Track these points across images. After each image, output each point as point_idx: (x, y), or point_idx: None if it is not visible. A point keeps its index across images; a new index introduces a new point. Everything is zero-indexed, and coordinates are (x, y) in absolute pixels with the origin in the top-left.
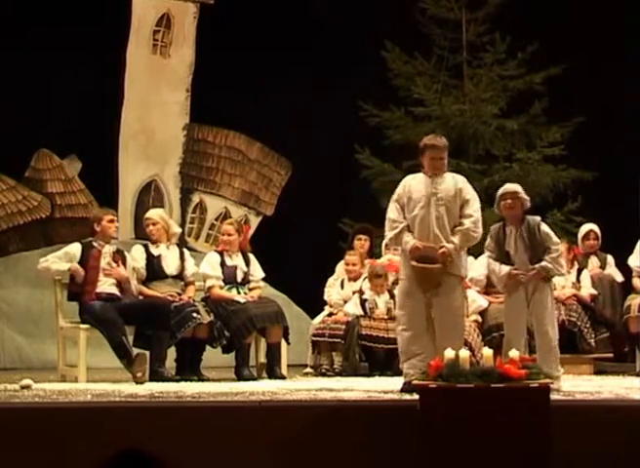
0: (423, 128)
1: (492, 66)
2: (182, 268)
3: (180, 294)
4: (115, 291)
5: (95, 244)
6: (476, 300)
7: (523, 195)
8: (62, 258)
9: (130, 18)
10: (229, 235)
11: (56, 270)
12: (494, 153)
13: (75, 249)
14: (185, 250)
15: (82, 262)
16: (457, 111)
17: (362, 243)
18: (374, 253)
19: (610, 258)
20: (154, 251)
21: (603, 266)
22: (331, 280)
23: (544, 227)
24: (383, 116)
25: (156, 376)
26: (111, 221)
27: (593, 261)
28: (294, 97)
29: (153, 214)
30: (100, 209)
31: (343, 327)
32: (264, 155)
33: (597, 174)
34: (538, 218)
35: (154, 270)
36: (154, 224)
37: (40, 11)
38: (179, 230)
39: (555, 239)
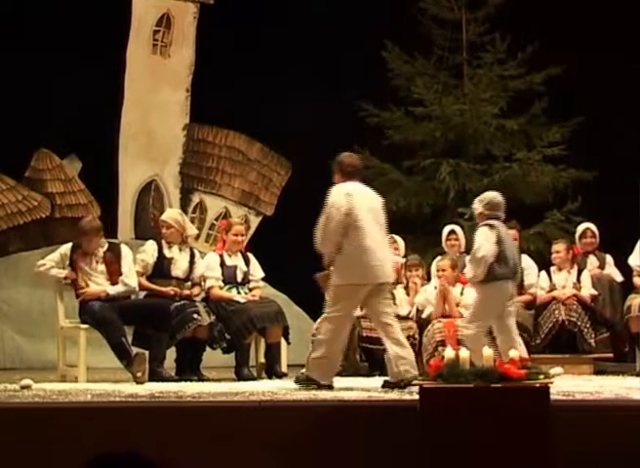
0: (423, 128)
1: (492, 66)
2: (190, 271)
3: (180, 292)
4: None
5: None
6: (469, 298)
7: (474, 206)
8: (59, 262)
9: (130, 18)
10: (242, 235)
11: (52, 276)
12: (494, 153)
13: (66, 249)
14: (197, 251)
15: (71, 263)
16: (457, 111)
17: None
18: None
19: (609, 258)
20: (166, 252)
21: (602, 266)
22: None
23: (476, 233)
24: (383, 116)
25: (155, 376)
26: (85, 234)
27: (592, 261)
28: (294, 96)
29: (168, 217)
30: (85, 218)
31: None
32: (264, 155)
33: (597, 173)
34: (481, 224)
35: (161, 270)
36: (168, 228)
37: (40, 11)
38: (194, 232)
39: (476, 244)
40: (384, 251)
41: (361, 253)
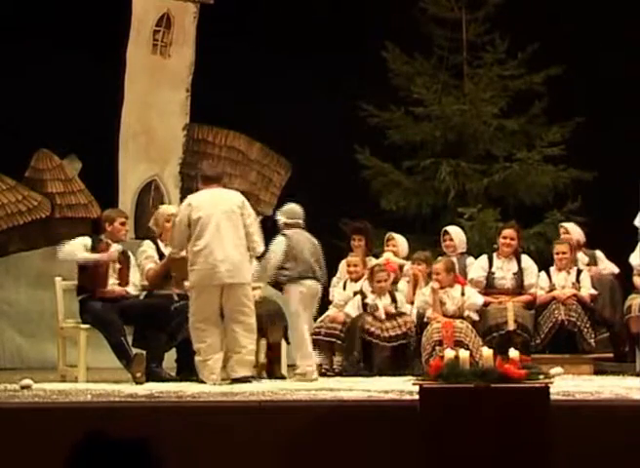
0: (424, 128)
1: (492, 66)
2: None
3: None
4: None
5: (104, 239)
6: (471, 297)
7: (277, 217)
8: (81, 249)
9: (130, 18)
10: None
11: (82, 257)
12: (494, 153)
13: (87, 241)
14: None
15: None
16: (457, 111)
17: (356, 243)
18: (376, 254)
19: (598, 253)
20: (165, 251)
21: (593, 263)
22: (334, 280)
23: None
24: (383, 116)
25: (153, 376)
26: (123, 224)
27: (581, 258)
28: (294, 96)
29: (175, 209)
30: (113, 209)
31: (340, 326)
32: (264, 155)
33: (597, 174)
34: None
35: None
36: None
37: (40, 11)
38: None
39: (267, 253)
40: (228, 252)
41: (198, 257)
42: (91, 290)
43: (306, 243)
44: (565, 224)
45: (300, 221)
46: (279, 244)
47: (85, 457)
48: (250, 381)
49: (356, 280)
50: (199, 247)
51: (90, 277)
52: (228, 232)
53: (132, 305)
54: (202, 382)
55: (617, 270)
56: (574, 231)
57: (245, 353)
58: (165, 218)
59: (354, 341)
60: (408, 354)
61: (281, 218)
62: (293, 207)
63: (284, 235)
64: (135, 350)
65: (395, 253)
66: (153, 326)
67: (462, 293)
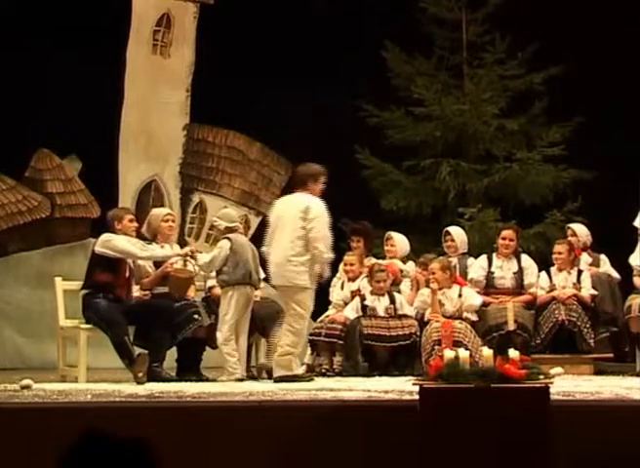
0: (424, 128)
1: (492, 66)
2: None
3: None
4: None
5: None
6: (468, 298)
7: (217, 223)
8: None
9: (130, 18)
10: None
11: (164, 254)
12: (494, 153)
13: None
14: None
15: None
16: (457, 111)
17: (355, 244)
18: (376, 253)
19: (603, 257)
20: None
21: (596, 265)
22: (334, 280)
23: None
24: (383, 116)
25: (154, 376)
26: (131, 221)
27: (586, 260)
28: (294, 96)
29: (171, 212)
30: (118, 208)
31: (340, 327)
32: (264, 155)
33: (597, 174)
34: (221, 237)
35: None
36: (174, 221)
37: (40, 11)
38: None
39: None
40: (277, 254)
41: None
42: (109, 288)
43: (248, 248)
44: (572, 226)
45: (240, 226)
46: (221, 248)
47: (78, 457)
48: (286, 381)
49: (353, 279)
50: (264, 249)
51: (113, 275)
52: (283, 235)
53: (135, 305)
54: (202, 382)
55: (617, 276)
56: (581, 233)
57: (279, 353)
58: (162, 219)
59: (354, 344)
60: (409, 354)
61: (222, 223)
62: (229, 211)
63: (228, 239)
64: (138, 350)
65: (393, 253)
66: (156, 325)
67: (460, 295)
